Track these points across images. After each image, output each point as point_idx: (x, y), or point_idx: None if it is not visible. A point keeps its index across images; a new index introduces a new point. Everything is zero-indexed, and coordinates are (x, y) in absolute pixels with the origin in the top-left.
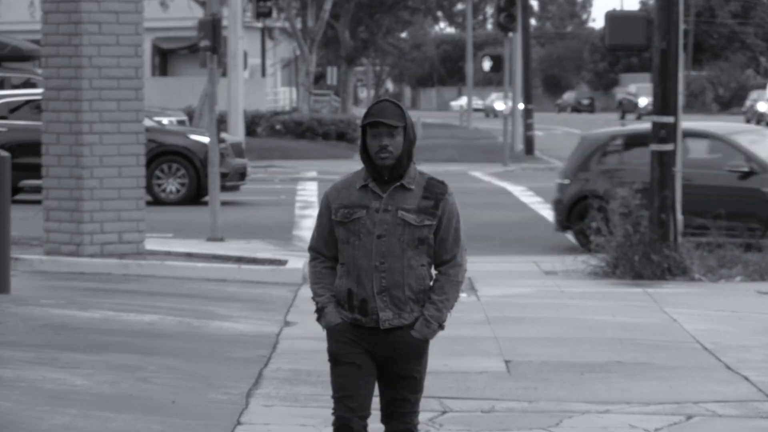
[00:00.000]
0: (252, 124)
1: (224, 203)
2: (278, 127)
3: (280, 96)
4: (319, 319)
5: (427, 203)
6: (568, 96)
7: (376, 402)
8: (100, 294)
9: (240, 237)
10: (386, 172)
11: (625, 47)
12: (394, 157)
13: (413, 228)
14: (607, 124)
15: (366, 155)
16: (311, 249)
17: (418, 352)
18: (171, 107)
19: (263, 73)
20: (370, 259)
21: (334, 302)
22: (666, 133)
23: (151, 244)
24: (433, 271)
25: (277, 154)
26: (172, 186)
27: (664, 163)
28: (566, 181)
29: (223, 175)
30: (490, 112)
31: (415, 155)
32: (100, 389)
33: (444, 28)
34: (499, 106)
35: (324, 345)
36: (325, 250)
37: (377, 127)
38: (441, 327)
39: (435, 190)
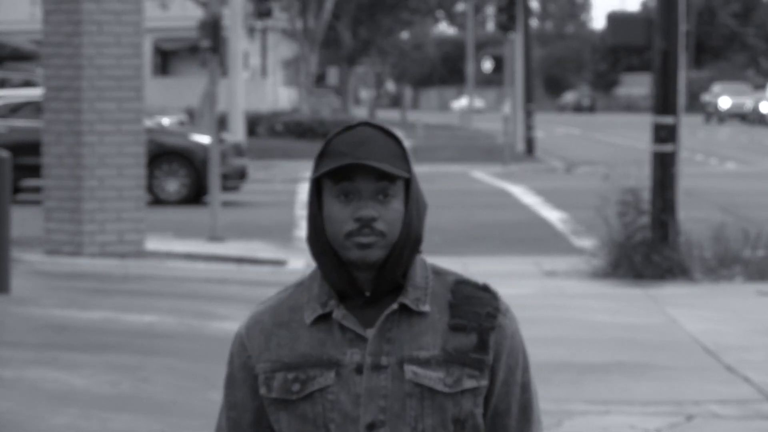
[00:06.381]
0: (252, 125)
1: (224, 203)
2: (279, 127)
3: (281, 96)
4: None
5: (463, 340)
6: (569, 96)
7: None
8: (100, 294)
9: (240, 237)
10: (367, 277)
11: (626, 47)
12: (385, 243)
13: (442, 400)
14: (608, 124)
15: (320, 243)
16: None
17: None
18: (171, 107)
19: (264, 74)
20: None
21: None
22: (666, 133)
23: (152, 244)
24: None
25: (277, 155)
26: (172, 186)
27: (664, 164)
28: None
29: (224, 176)
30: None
31: (414, 156)
32: (101, 389)
33: (443, 30)
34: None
35: None
36: None
37: (353, 180)
38: None
39: (475, 308)
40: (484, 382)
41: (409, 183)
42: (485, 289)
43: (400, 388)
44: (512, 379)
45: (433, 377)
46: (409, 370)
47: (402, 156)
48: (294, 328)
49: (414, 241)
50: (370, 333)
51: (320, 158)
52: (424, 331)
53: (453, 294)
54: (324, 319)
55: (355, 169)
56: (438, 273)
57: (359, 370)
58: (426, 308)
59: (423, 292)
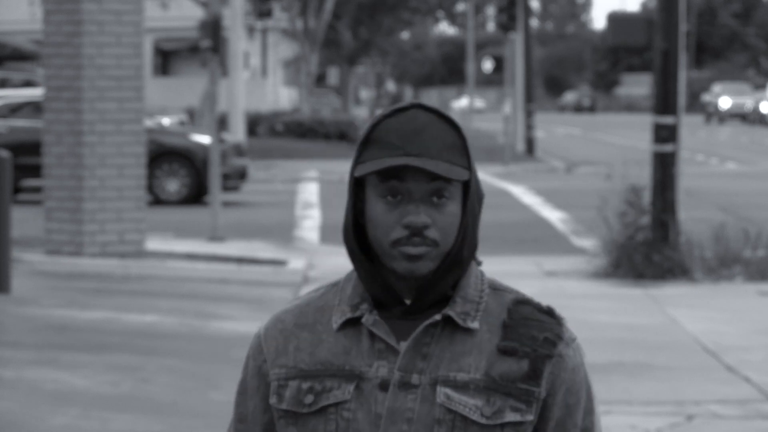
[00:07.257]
0: (253, 125)
1: (225, 203)
2: (279, 127)
3: (281, 96)
4: None
5: (513, 367)
6: (570, 96)
7: None
8: (100, 294)
9: (241, 237)
10: (408, 285)
11: (626, 47)
12: (437, 253)
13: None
14: (608, 124)
15: (352, 243)
16: None
17: None
18: (172, 107)
19: (264, 74)
20: None
21: None
22: (667, 133)
23: (152, 244)
24: None
25: (277, 155)
26: (172, 186)
27: (665, 164)
28: None
29: (224, 176)
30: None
31: None
32: (101, 389)
33: (444, 31)
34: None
35: None
36: None
37: (402, 179)
38: None
39: (532, 332)
40: (530, 417)
41: (468, 185)
42: (549, 312)
43: (429, 412)
44: (570, 421)
45: (470, 404)
46: (442, 392)
47: (462, 148)
48: (318, 332)
49: (469, 248)
50: (403, 346)
51: (365, 146)
52: (468, 351)
53: (509, 313)
54: (353, 324)
55: (408, 171)
56: (495, 288)
57: (384, 386)
58: (474, 325)
59: (474, 306)
